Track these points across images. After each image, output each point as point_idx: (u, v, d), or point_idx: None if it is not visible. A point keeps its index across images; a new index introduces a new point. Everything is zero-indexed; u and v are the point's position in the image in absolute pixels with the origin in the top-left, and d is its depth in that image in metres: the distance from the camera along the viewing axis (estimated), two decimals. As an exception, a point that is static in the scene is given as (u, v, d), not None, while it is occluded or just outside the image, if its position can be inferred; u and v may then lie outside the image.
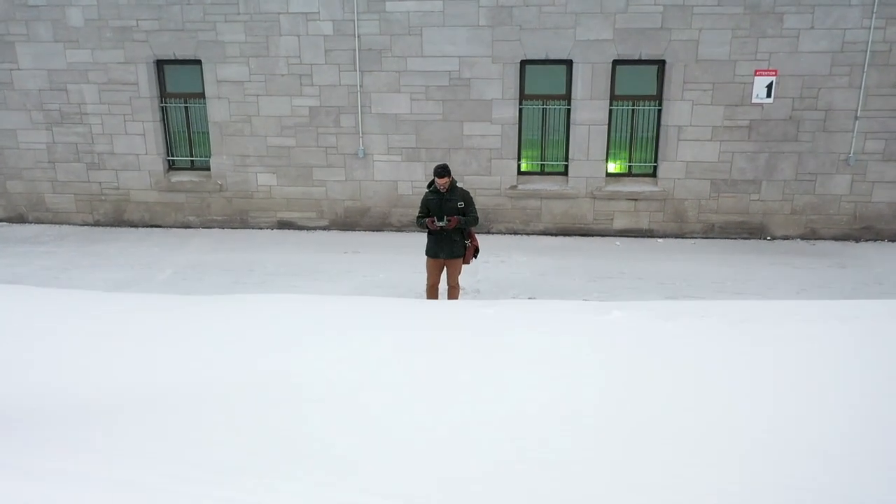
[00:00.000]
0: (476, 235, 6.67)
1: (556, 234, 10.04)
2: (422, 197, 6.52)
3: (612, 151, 9.81)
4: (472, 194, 6.57)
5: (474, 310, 5.32)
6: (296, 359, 4.04)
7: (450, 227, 6.25)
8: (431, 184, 6.45)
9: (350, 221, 10.29)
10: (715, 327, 4.71)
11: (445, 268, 6.60)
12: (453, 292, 6.71)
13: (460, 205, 6.34)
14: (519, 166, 9.95)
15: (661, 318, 5.08)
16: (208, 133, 10.17)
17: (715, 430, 3.21)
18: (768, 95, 9.18)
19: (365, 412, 3.40)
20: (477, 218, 6.43)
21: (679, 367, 3.97)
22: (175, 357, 4.07)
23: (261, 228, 10.45)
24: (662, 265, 8.71)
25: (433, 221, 6.25)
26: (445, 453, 3.01)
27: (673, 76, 9.24)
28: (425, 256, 6.64)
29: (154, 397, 3.51)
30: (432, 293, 6.73)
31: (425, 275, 6.63)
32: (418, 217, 6.48)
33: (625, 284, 8.02)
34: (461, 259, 6.53)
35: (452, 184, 6.35)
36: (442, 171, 6.19)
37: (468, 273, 8.12)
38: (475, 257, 6.68)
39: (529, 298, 7.59)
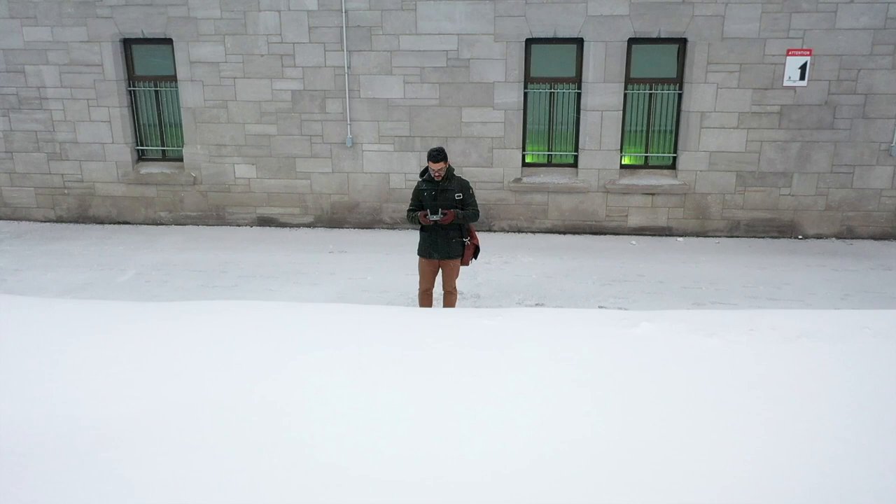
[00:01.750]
0: (476, 233, 5.89)
1: (564, 233, 9.26)
2: (413, 187, 5.73)
3: (627, 141, 9.04)
4: (471, 184, 5.78)
5: (474, 320, 4.54)
6: (251, 382, 3.26)
7: (445, 223, 5.48)
8: (425, 171, 5.68)
9: (337, 218, 9.51)
10: (768, 344, 3.94)
11: (440, 270, 5.82)
12: (450, 298, 5.93)
13: (458, 196, 5.57)
14: (524, 157, 9.17)
15: (700, 332, 4.31)
16: (181, 120, 9.39)
17: (792, 483, 2.43)
18: (801, 78, 8.40)
19: (341, 451, 2.62)
20: (478, 212, 5.66)
21: (731, 397, 3.20)
22: (96, 388, 3.28)
23: (239, 225, 9.67)
24: (684, 267, 7.93)
25: (426, 215, 5.47)
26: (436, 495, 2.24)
27: (695, 56, 8.47)
28: (417, 257, 5.86)
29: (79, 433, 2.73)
30: (425, 299, 5.95)
31: (418, 273, 5.88)
32: (409, 210, 5.70)
33: (643, 288, 7.24)
34: (459, 260, 5.76)
35: (449, 171, 5.58)
36: (437, 154, 5.41)
37: (467, 275, 7.34)
38: (475, 258, 5.90)
39: (537, 305, 6.81)
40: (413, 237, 5.74)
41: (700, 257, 8.29)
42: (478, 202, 5.79)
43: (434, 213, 5.49)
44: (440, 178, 5.53)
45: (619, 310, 4.78)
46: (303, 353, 3.73)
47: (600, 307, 6.75)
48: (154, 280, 7.55)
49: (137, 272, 7.83)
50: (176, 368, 3.46)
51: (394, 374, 3.46)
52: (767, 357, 3.77)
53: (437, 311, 4.85)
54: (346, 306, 4.94)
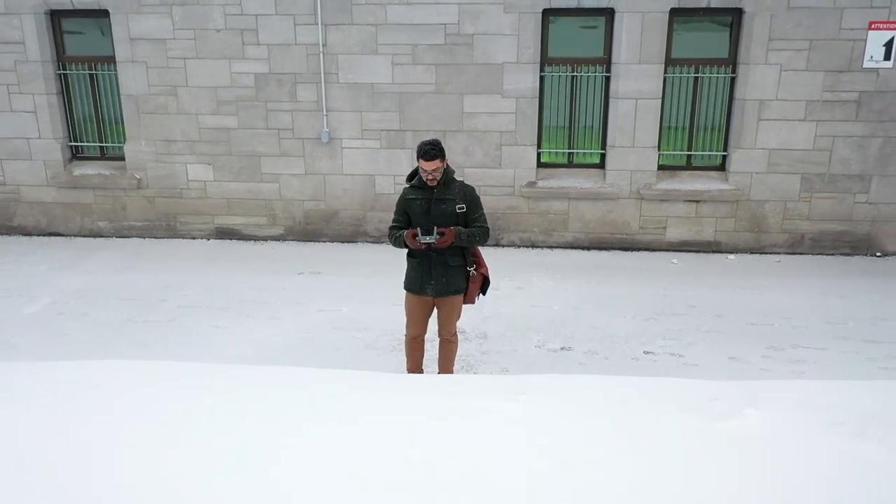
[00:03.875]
0: (483, 256, 4.38)
1: (588, 248, 7.75)
2: (399, 196, 4.23)
3: (666, 136, 7.54)
4: (478, 192, 4.27)
5: (484, 401, 3.05)
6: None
7: (442, 246, 3.98)
8: (414, 174, 4.18)
9: (311, 229, 8.00)
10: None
11: (436, 310, 4.32)
12: (447, 349, 4.42)
13: (460, 208, 4.06)
14: (539, 156, 7.67)
15: (841, 428, 2.85)
16: (121, 111, 7.88)
17: None
18: (887, 57, 6.90)
19: None
20: (487, 230, 4.16)
21: None
22: None
23: (193, 238, 8.16)
24: (743, 294, 6.42)
25: (415, 236, 3.97)
26: None
27: (754, 31, 6.97)
28: (404, 291, 4.35)
29: None
30: (415, 349, 4.44)
31: (405, 314, 4.38)
32: (392, 228, 4.19)
33: (698, 325, 5.72)
34: (461, 297, 4.25)
35: (447, 174, 4.08)
36: (430, 150, 3.91)
37: (470, 307, 5.84)
38: (483, 293, 4.39)
39: (563, 349, 5.30)
40: (404, 255, 4.26)
41: (760, 280, 6.78)
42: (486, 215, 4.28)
43: (427, 232, 3.98)
44: (435, 184, 4.02)
45: (700, 383, 3.27)
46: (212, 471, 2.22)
47: (646, 353, 5.24)
48: (70, 311, 6.03)
49: (53, 300, 6.31)
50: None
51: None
52: None
53: (429, 382, 3.33)
54: (290, 373, 3.42)
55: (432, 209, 4.04)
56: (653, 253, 7.63)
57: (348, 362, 5.03)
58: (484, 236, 4.12)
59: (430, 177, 3.98)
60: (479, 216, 4.13)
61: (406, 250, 4.18)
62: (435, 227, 3.94)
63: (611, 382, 3.35)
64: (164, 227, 8.15)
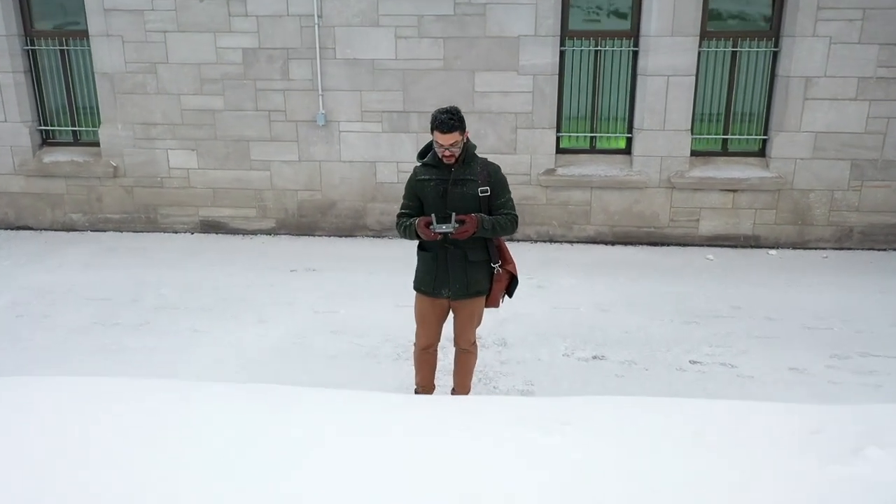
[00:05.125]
0: (509, 248, 3.69)
1: (613, 242, 7.08)
2: (409, 177, 3.55)
3: (700, 117, 6.87)
4: (503, 171, 3.58)
5: (517, 430, 2.42)
6: None
7: (462, 237, 3.31)
8: (426, 151, 3.51)
9: (306, 222, 7.32)
10: None
11: (453, 315, 3.64)
12: (465, 361, 3.75)
13: (483, 191, 3.39)
14: (559, 140, 6.99)
15: None
16: (95, 90, 7.20)
17: None
18: (950, 28, 6.24)
19: None
20: (515, 217, 3.48)
21: None
22: None
23: (176, 231, 7.48)
24: (792, 294, 5.75)
25: (429, 224, 3.29)
26: None
27: (800, -1, 6.32)
28: (414, 291, 3.67)
29: None
30: (426, 360, 3.77)
31: (415, 319, 3.71)
32: (400, 216, 3.52)
33: (747, 329, 5.06)
34: (483, 299, 3.58)
35: (468, 150, 3.41)
36: (448, 119, 3.24)
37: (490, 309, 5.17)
38: (509, 295, 3.71)
39: (595, 358, 4.63)
40: (408, 249, 3.57)
41: (808, 278, 6.11)
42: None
43: (443, 220, 3.31)
44: (453, 161, 3.35)
45: (791, 407, 2.61)
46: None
47: (692, 362, 4.57)
48: (30, 313, 5.36)
49: (13, 299, 5.64)
50: None
51: None
52: None
53: (446, 408, 2.67)
54: (272, 395, 2.77)
55: (449, 192, 3.36)
56: (684, 248, 6.96)
57: (346, 374, 4.36)
58: (512, 225, 3.44)
59: (447, 153, 3.30)
60: (505, 201, 3.46)
61: (417, 242, 3.50)
62: (453, 214, 3.26)
63: (678, 407, 2.68)
64: (144, 220, 7.47)
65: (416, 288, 3.60)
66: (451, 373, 3.95)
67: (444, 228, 3.25)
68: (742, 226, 6.92)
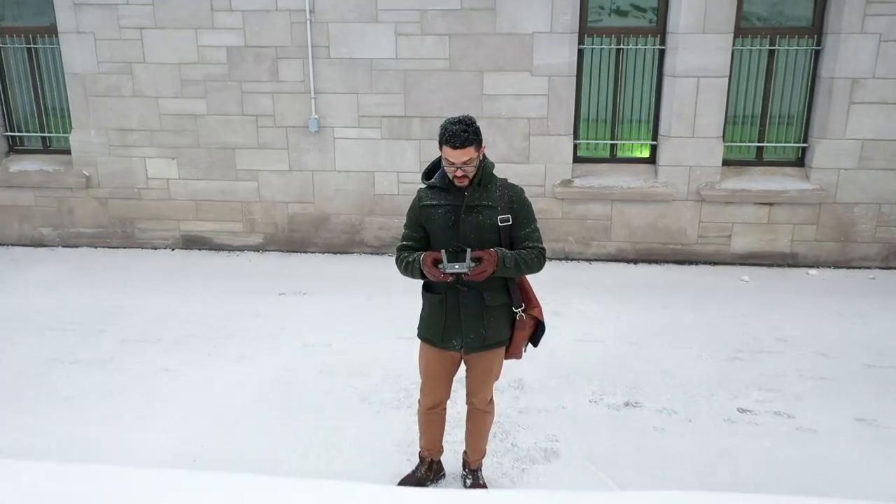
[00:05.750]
0: (532, 289, 3.06)
1: (635, 261, 6.46)
2: (411, 202, 2.92)
3: (732, 123, 6.25)
4: (526, 194, 2.96)
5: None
6: None
7: (479, 278, 2.68)
8: (433, 171, 2.89)
9: (297, 238, 6.70)
10: None
11: (466, 369, 3.02)
12: (479, 422, 3.11)
13: (504, 220, 2.78)
14: (576, 148, 6.38)
15: None
16: (66, 93, 6.59)
17: None
18: None
19: None
20: (543, 251, 2.86)
21: None
22: None
23: (155, 248, 6.86)
24: (844, 323, 5.12)
25: (437, 262, 2.67)
26: None
27: (847, -8, 5.70)
28: (418, 340, 3.05)
29: None
30: (433, 422, 3.14)
31: (419, 373, 3.09)
32: (401, 249, 2.90)
33: (799, 367, 4.43)
34: (503, 350, 2.97)
35: (485, 168, 2.80)
36: (461, 131, 2.63)
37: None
38: (534, 344, 3.09)
39: (627, 405, 4.00)
40: (417, 285, 2.96)
41: (858, 304, 5.48)
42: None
43: (455, 256, 2.69)
44: (466, 183, 2.73)
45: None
46: None
47: (742, 411, 3.95)
48: (-21, 348, 4.75)
49: (-38, 331, 5.02)
50: None
51: None
52: None
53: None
54: (232, 486, 2.14)
55: (462, 221, 2.74)
56: (715, 267, 6.34)
57: (336, 428, 3.73)
58: (539, 261, 2.82)
59: (458, 173, 2.68)
60: (531, 231, 2.84)
61: (422, 281, 2.88)
62: (468, 251, 2.64)
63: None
64: (120, 235, 6.85)
65: (421, 336, 2.98)
66: (462, 426, 3.34)
67: (456, 268, 2.63)
68: (779, 243, 6.30)
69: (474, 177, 2.74)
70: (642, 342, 4.82)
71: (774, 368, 4.43)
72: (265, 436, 3.68)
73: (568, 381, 4.25)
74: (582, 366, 4.45)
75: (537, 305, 2.98)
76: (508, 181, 2.89)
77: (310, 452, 3.55)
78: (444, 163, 2.72)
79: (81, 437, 3.67)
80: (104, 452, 3.53)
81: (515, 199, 2.82)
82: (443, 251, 2.66)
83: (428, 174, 2.88)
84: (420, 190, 2.88)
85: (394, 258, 2.90)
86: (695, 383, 4.24)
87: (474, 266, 2.63)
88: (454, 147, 2.62)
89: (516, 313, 2.89)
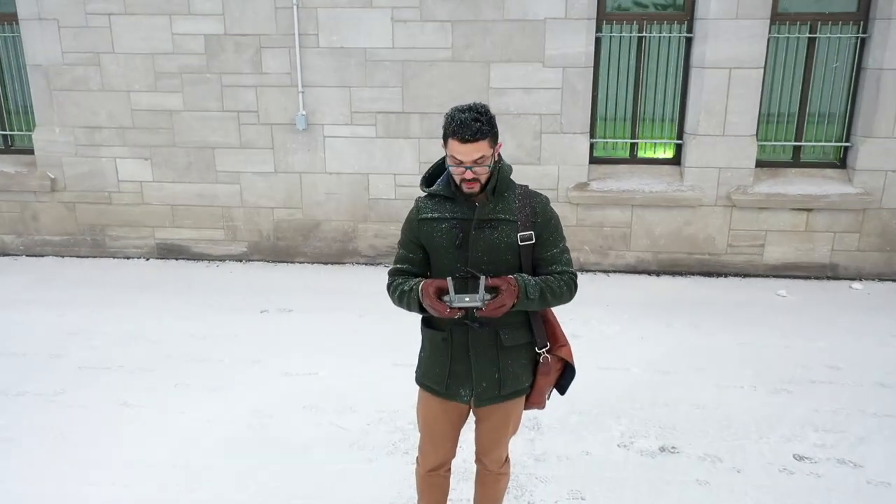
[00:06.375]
0: (558, 323, 2.48)
1: (657, 273, 5.88)
2: (408, 215, 2.33)
3: (768, 120, 5.68)
4: (551, 205, 2.39)
5: None
6: None
7: (496, 314, 2.08)
8: (435, 176, 2.31)
9: (283, 247, 6.13)
10: None
11: (476, 423, 2.44)
12: (492, 487, 2.52)
13: (526, 238, 2.20)
14: (592, 148, 5.80)
15: None
16: (28, 87, 6.02)
17: None
18: None
19: None
20: (574, 276, 2.28)
21: None
22: None
23: (128, 257, 6.28)
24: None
25: (442, 293, 2.09)
26: None
27: (898, -27, 5.13)
28: (417, 387, 2.47)
29: None
30: (434, 486, 2.54)
31: (418, 427, 2.51)
32: (393, 273, 2.31)
33: (858, 402, 3.85)
34: (523, 400, 2.39)
35: (501, 173, 2.22)
36: (473, 120, 2.06)
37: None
38: (560, 391, 2.51)
39: (662, 450, 3.42)
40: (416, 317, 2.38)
41: (910, 322, 4.92)
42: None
43: (464, 285, 2.12)
44: (478, 189, 2.15)
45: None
46: None
47: (798, 458, 3.37)
48: (-86, 377, 4.16)
49: None
50: None
51: None
52: None
53: None
54: None
55: (472, 240, 2.16)
56: (746, 280, 5.76)
57: (320, 484, 3.15)
58: (570, 291, 2.24)
59: (468, 175, 2.10)
60: (558, 253, 2.25)
61: (421, 315, 2.30)
62: (482, 279, 2.06)
63: None
64: (90, 243, 6.27)
65: (419, 382, 2.40)
66: (469, 478, 2.76)
67: (466, 302, 2.04)
68: (817, 252, 5.72)
69: (487, 182, 2.16)
70: (673, 370, 4.24)
71: (830, 403, 3.85)
72: (238, 487, 3.10)
73: (592, 420, 3.67)
74: (607, 400, 3.87)
75: (566, 344, 2.40)
76: (530, 189, 2.31)
77: (287, 511, 2.98)
78: (449, 162, 2.14)
79: (15, 491, 3.09)
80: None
81: (540, 212, 2.23)
82: (449, 279, 2.08)
83: (429, 180, 2.31)
84: (419, 199, 2.30)
85: (387, 279, 2.32)
86: (738, 422, 3.66)
87: (489, 299, 2.05)
88: (463, 140, 2.05)
89: (539, 354, 2.32)
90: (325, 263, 6.11)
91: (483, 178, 2.14)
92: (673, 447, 3.45)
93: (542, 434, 3.55)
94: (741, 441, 3.50)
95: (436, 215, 2.23)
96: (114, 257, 6.29)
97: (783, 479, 3.21)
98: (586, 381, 4.04)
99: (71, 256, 6.32)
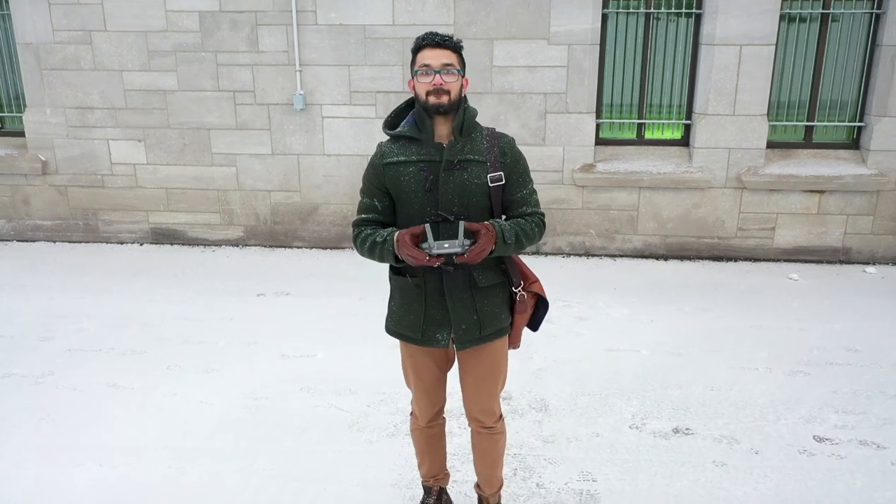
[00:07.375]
0: (523, 261, 2.36)
1: (665, 257, 5.74)
2: (370, 160, 2.19)
3: (779, 99, 5.54)
4: (522, 151, 2.27)
5: None
6: None
7: (476, 259, 1.95)
8: (398, 120, 2.19)
9: (280, 231, 5.99)
10: None
11: (460, 373, 2.30)
12: (488, 446, 2.37)
13: (496, 179, 2.08)
14: (599, 128, 5.66)
15: None
16: (18, 66, 5.88)
17: None
18: None
19: None
20: (542, 217, 2.18)
21: None
22: None
23: (122, 242, 6.15)
24: (916, 328, 4.43)
25: (418, 240, 1.97)
26: None
27: (914, -55, 4.99)
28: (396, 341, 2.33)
29: None
30: (431, 439, 2.43)
31: (405, 381, 2.38)
32: (360, 223, 2.16)
33: (878, 384, 3.71)
34: (505, 340, 2.26)
35: (467, 112, 2.11)
36: (441, 35, 2.04)
37: (513, 356, 3.83)
38: (532, 328, 2.36)
39: (676, 432, 3.28)
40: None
41: (927, 306, 4.78)
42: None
43: (440, 230, 2.01)
44: (447, 102, 2.02)
45: None
46: None
47: (819, 439, 3.23)
48: None
49: None
50: None
51: None
52: None
53: None
54: None
55: (442, 183, 2.03)
56: (756, 264, 5.63)
57: (319, 461, 3.01)
58: (540, 231, 2.17)
59: (438, 81, 1.99)
60: (527, 194, 2.15)
61: (393, 265, 2.16)
62: (461, 223, 1.92)
63: None
64: (82, 228, 6.13)
65: (391, 332, 2.26)
66: (468, 457, 2.62)
67: (446, 248, 1.90)
68: (829, 236, 5.59)
69: (456, 119, 2.06)
70: (684, 352, 4.10)
71: (849, 385, 3.71)
72: (231, 470, 2.96)
73: (602, 401, 3.53)
74: (617, 381, 3.73)
75: (536, 280, 2.29)
76: (497, 130, 2.20)
77: (286, 490, 2.84)
78: (419, 77, 2.02)
79: None
80: (26, 497, 2.80)
81: (508, 153, 2.13)
82: (427, 226, 1.94)
83: (392, 123, 2.18)
84: (382, 144, 2.17)
85: (353, 231, 2.19)
86: (755, 404, 3.52)
87: (469, 244, 1.92)
88: (433, 44, 2.02)
89: (516, 293, 2.19)
90: (324, 248, 5.97)
91: (452, 91, 2.02)
92: (687, 429, 3.31)
93: (549, 416, 3.41)
94: (758, 422, 3.36)
95: (402, 158, 2.10)
96: (107, 242, 6.16)
97: (804, 460, 3.07)
98: (595, 363, 3.93)
99: (63, 241, 6.19)
